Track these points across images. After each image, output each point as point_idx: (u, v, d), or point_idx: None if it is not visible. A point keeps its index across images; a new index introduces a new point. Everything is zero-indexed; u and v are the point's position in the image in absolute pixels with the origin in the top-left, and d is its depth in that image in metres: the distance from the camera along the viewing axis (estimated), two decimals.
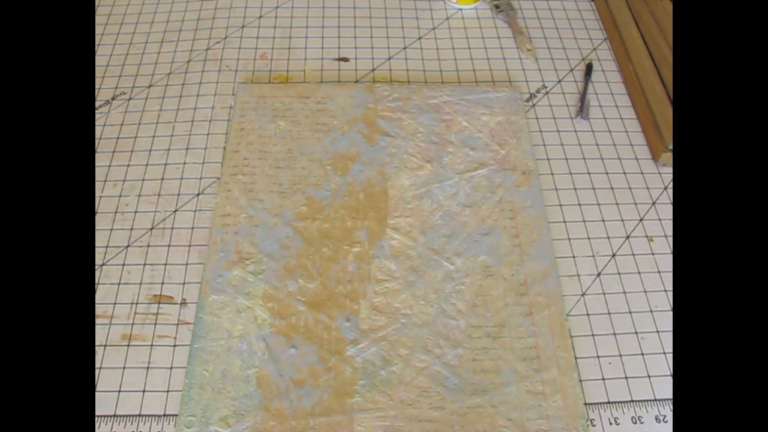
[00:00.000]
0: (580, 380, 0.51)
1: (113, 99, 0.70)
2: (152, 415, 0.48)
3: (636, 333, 0.54)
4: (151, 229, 0.59)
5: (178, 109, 0.69)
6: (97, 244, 0.57)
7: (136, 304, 0.54)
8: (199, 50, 0.76)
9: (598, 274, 0.58)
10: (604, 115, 0.71)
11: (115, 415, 0.48)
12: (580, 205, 0.62)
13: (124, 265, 0.57)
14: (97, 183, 0.62)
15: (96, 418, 0.47)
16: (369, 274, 0.55)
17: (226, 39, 0.77)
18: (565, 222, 0.61)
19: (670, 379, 0.51)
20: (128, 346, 0.52)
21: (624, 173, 0.65)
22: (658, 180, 0.65)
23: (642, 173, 0.65)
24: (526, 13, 0.82)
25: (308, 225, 0.58)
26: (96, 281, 0.55)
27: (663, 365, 0.52)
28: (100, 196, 0.61)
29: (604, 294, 0.56)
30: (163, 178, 0.63)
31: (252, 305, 0.53)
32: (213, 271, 0.55)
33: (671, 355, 0.52)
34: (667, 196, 0.63)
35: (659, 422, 0.49)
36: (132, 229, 0.59)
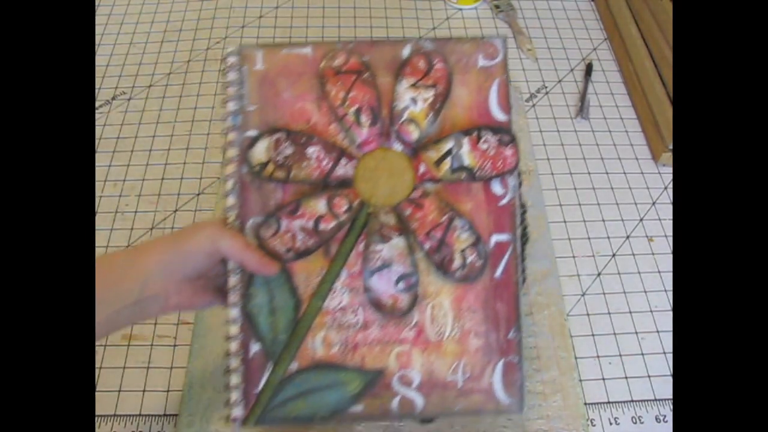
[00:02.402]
0: (580, 380, 0.51)
1: (113, 99, 0.70)
2: (152, 415, 0.48)
3: (636, 333, 0.54)
4: (152, 229, 0.59)
5: (178, 109, 0.69)
6: (97, 244, 0.57)
7: None
8: (199, 50, 0.76)
9: (599, 274, 0.58)
10: (604, 115, 0.71)
11: (115, 415, 0.48)
12: (580, 205, 0.63)
13: None
14: (97, 183, 0.62)
15: (96, 418, 0.47)
16: None
17: (226, 39, 0.77)
18: (565, 222, 0.61)
19: (670, 379, 0.51)
20: (128, 345, 0.52)
21: (624, 173, 0.65)
22: (658, 180, 0.65)
23: (642, 173, 0.65)
24: (526, 13, 0.82)
25: None
26: None
27: (663, 365, 0.52)
28: (100, 196, 0.61)
29: (604, 294, 0.56)
30: (163, 178, 0.63)
31: None
32: None
33: (671, 355, 0.53)
34: (667, 196, 0.63)
35: (659, 422, 0.49)
36: (132, 229, 0.59)
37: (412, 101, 0.40)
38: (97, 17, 0.79)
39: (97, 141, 0.66)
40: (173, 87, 0.71)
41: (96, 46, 0.75)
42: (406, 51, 0.40)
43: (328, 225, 0.39)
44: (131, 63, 0.74)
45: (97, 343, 0.51)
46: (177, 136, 0.66)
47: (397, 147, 0.40)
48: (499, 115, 0.40)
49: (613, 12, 0.79)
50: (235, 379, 0.39)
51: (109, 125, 0.67)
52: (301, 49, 0.39)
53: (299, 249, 0.39)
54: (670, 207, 0.62)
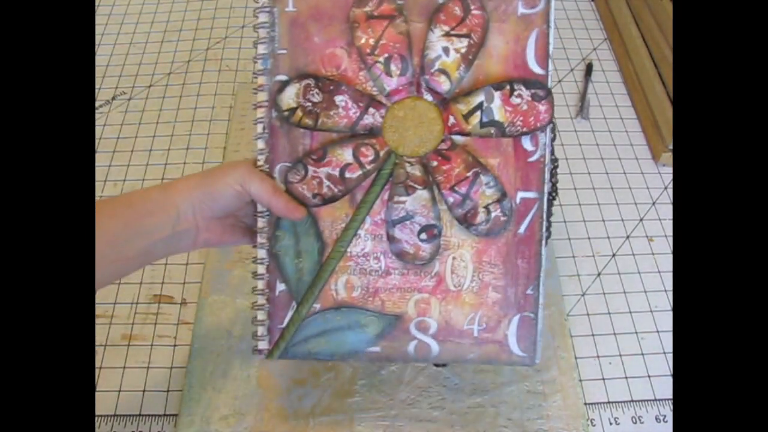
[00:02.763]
0: (580, 380, 0.51)
1: (113, 99, 0.70)
2: (153, 415, 0.48)
3: (636, 333, 0.54)
4: None
5: (178, 109, 0.69)
6: None
7: (137, 303, 0.54)
8: (199, 50, 0.76)
9: (599, 274, 0.58)
10: (604, 115, 0.71)
11: (115, 415, 0.48)
12: (580, 205, 0.63)
13: None
14: (97, 183, 0.62)
15: (96, 418, 0.48)
16: None
17: (226, 39, 0.77)
18: (565, 222, 0.61)
19: (670, 379, 0.51)
20: (128, 345, 0.52)
21: (624, 173, 0.65)
22: (658, 180, 0.65)
23: (642, 173, 0.65)
24: None
25: None
26: None
27: (663, 365, 0.52)
28: (100, 196, 0.61)
29: (604, 294, 0.56)
30: (163, 178, 0.63)
31: (252, 304, 0.53)
32: (213, 270, 0.55)
33: (671, 355, 0.52)
34: (667, 196, 0.63)
35: (659, 422, 0.49)
36: None
37: (444, 51, 0.38)
38: (97, 17, 0.79)
39: (97, 141, 0.66)
40: (173, 87, 0.71)
41: (96, 46, 0.76)
42: None
43: (353, 173, 0.39)
44: (131, 63, 0.74)
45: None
46: (177, 136, 0.66)
47: (427, 97, 0.39)
48: (535, 68, 0.39)
49: (613, 12, 0.79)
50: (261, 315, 0.41)
51: (109, 125, 0.67)
52: None
53: (325, 195, 0.40)
54: (670, 207, 0.62)
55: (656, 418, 0.49)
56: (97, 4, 0.81)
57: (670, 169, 0.66)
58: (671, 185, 0.64)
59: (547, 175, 0.40)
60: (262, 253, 0.41)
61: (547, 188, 0.40)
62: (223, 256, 0.56)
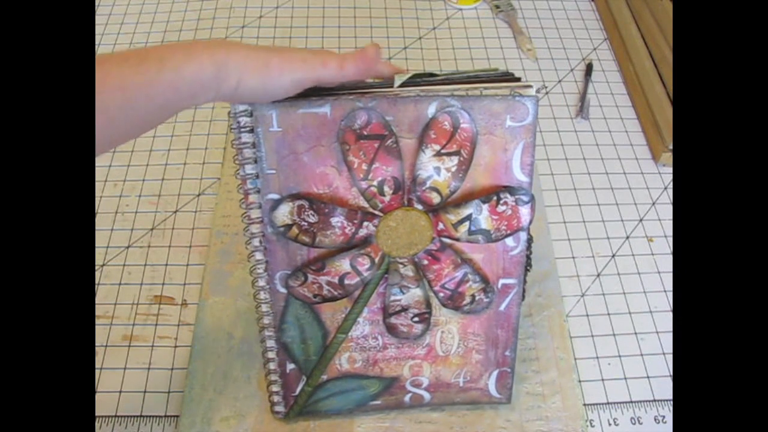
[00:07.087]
0: (580, 381, 0.51)
1: None
2: (153, 416, 0.48)
3: (635, 334, 0.54)
4: (152, 229, 0.59)
5: None
6: (97, 245, 0.57)
7: (137, 304, 0.54)
8: None
9: (598, 275, 0.58)
10: (604, 115, 0.71)
11: (116, 416, 0.48)
12: (580, 205, 0.63)
13: (124, 265, 0.57)
14: (97, 183, 0.62)
15: (96, 419, 0.48)
16: None
17: (226, 39, 0.77)
18: (565, 222, 0.61)
19: (670, 380, 0.51)
20: (129, 346, 0.52)
21: (624, 173, 0.65)
22: (658, 180, 0.65)
23: (642, 173, 0.65)
24: (526, 13, 0.82)
25: None
26: (96, 282, 0.55)
27: (662, 366, 0.52)
28: (101, 196, 0.61)
29: (603, 295, 0.56)
30: (163, 179, 0.63)
31: (252, 306, 0.53)
32: (213, 272, 0.55)
33: (670, 355, 0.53)
34: (667, 196, 0.63)
35: (658, 423, 0.49)
36: (132, 229, 0.59)
37: (436, 171, 0.39)
38: (97, 17, 0.79)
39: None
40: None
41: (96, 46, 0.75)
42: (431, 110, 0.37)
43: (352, 280, 0.42)
44: None
45: (97, 344, 0.52)
46: (177, 137, 0.66)
47: (418, 206, 0.40)
48: (520, 176, 0.40)
49: (613, 12, 0.79)
50: (275, 387, 0.46)
51: None
52: (319, 109, 0.37)
53: (326, 296, 0.42)
54: (670, 207, 0.62)
55: (655, 419, 0.49)
56: (97, 4, 0.81)
57: (670, 169, 0.65)
58: (671, 185, 0.64)
59: (524, 263, 0.43)
60: (270, 343, 0.44)
61: (524, 273, 0.44)
62: (224, 258, 0.56)
